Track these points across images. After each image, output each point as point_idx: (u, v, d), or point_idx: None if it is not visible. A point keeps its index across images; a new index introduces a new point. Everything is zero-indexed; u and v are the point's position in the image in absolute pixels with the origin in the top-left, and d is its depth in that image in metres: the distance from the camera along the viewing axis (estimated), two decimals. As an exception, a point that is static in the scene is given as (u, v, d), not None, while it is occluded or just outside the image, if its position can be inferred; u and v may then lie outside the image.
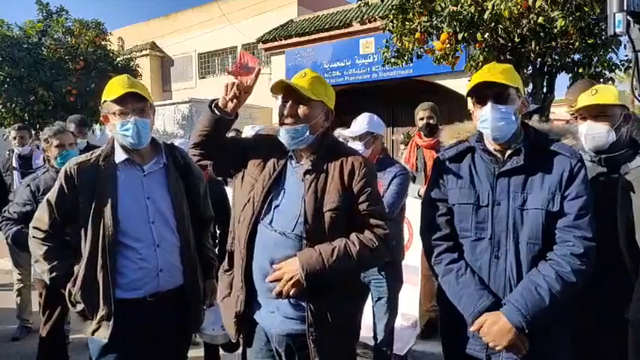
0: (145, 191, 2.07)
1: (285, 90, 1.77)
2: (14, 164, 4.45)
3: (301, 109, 1.74)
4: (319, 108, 1.79)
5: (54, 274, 2.06)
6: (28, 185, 3.01)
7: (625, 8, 1.59)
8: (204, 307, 2.36)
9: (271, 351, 1.83)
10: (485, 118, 1.75)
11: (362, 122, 2.95)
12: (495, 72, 1.76)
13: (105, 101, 2.04)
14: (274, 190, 1.77)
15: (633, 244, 1.78)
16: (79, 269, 2.01)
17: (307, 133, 1.75)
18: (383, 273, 2.98)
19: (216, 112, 1.75)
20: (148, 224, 2.04)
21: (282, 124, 1.77)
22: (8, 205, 3.17)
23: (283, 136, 1.77)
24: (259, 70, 1.77)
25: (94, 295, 1.98)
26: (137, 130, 1.99)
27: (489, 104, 1.74)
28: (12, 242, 3.00)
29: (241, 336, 1.88)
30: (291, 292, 1.64)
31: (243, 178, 1.85)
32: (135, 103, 2.00)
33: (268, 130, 2.03)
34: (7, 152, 4.66)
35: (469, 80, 1.92)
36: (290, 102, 1.75)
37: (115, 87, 2.00)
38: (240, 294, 1.80)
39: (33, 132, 5.03)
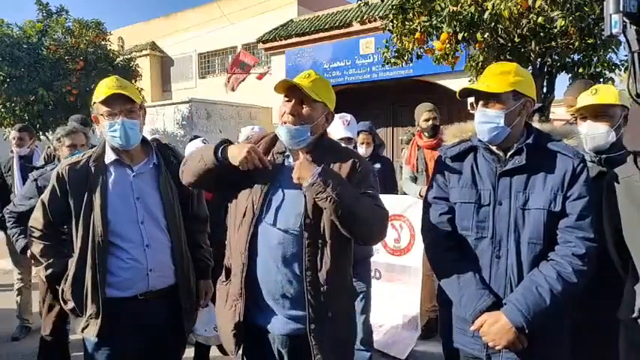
0: (134, 192, 2.08)
1: (288, 89, 1.76)
2: (15, 165, 4.45)
3: (304, 109, 1.74)
4: (321, 109, 1.78)
5: (50, 270, 2.12)
6: (35, 180, 3.02)
7: (621, 9, 1.60)
8: (200, 307, 2.37)
9: (273, 355, 1.81)
10: (476, 120, 1.81)
11: (353, 126, 3.13)
12: (492, 75, 1.78)
13: (94, 102, 2.05)
14: (272, 191, 1.76)
15: (621, 243, 1.78)
16: (70, 267, 2.05)
17: (308, 134, 1.75)
18: (358, 269, 3.05)
19: (221, 156, 1.72)
20: (137, 224, 2.05)
21: (283, 122, 1.76)
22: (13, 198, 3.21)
23: (284, 135, 1.76)
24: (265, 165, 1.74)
25: (83, 293, 2.00)
26: (125, 131, 2.01)
27: (478, 107, 1.79)
28: (21, 252, 3.08)
29: (239, 348, 1.82)
30: (298, 174, 1.63)
31: (239, 189, 1.82)
32: (122, 105, 2.01)
33: (259, 135, 2.01)
34: (10, 152, 4.66)
35: (469, 81, 1.93)
36: (293, 101, 1.75)
37: (103, 88, 2.01)
38: (239, 302, 1.77)
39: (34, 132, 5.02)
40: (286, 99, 1.77)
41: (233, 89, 13.26)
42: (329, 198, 1.58)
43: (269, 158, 1.80)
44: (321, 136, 1.83)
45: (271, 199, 1.75)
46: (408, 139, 7.74)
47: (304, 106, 1.74)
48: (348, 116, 3.15)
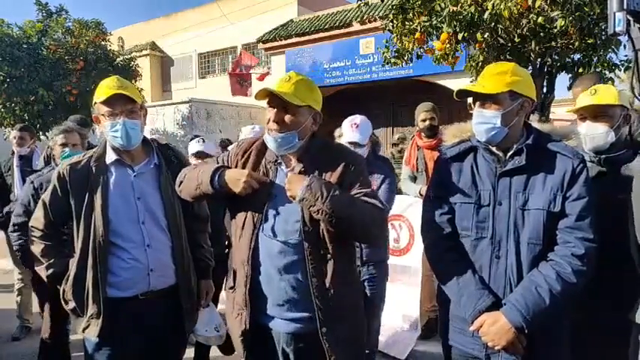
0: (135, 191, 2.08)
1: (270, 96, 1.73)
2: (15, 164, 4.45)
3: (287, 116, 1.71)
4: (306, 113, 1.76)
5: (51, 270, 2.11)
6: (32, 182, 3.02)
7: (625, 7, 1.60)
8: (201, 308, 2.37)
9: (278, 354, 1.81)
10: (473, 121, 1.81)
11: (363, 129, 3.01)
12: (489, 75, 1.78)
13: (95, 102, 2.06)
14: (268, 202, 1.76)
15: None
16: (71, 268, 2.05)
17: (295, 140, 1.73)
18: (375, 272, 3.08)
19: (218, 184, 1.74)
20: (138, 224, 2.06)
21: (269, 130, 1.74)
22: (11, 204, 3.18)
23: (271, 144, 1.76)
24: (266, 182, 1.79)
25: (84, 293, 2.01)
26: (126, 131, 2.02)
27: (475, 108, 1.80)
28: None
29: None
30: (289, 191, 1.65)
31: (236, 199, 1.81)
32: (124, 105, 2.01)
33: (250, 140, 1.99)
34: (11, 152, 4.69)
35: (471, 81, 1.93)
36: (276, 109, 1.72)
37: (104, 88, 2.01)
38: (244, 311, 1.79)
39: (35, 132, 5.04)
40: (269, 106, 1.74)
41: (248, 94, 13.33)
42: (320, 211, 1.59)
43: (261, 169, 1.80)
44: (311, 137, 1.81)
45: (268, 211, 1.75)
46: (400, 140, 7.72)
47: (288, 112, 1.71)
48: (358, 119, 3.05)
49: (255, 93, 1.73)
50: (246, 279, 1.76)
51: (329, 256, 1.71)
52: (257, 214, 1.75)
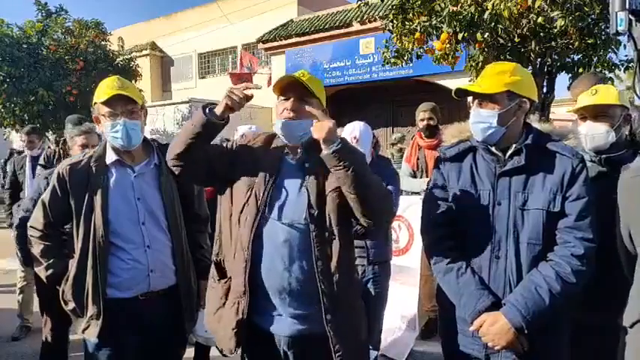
0: (135, 192, 2.08)
1: (287, 86, 1.77)
2: (27, 164, 4.62)
3: (304, 105, 1.75)
4: (317, 106, 1.80)
5: (50, 271, 2.11)
6: (46, 178, 3.01)
7: (627, 7, 1.60)
8: (200, 308, 2.36)
9: (279, 356, 1.79)
10: (470, 120, 1.84)
11: (364, 141, 2.98)
12: (488, 75, 1.79)
13: (95, 103, 2.05)
14: (274, 187, 1.76)
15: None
16: (70, 268, 2.04)
17: (309, 128, 1.75)
18: (379, 272, 3.13)
19: (210, 114, 1.70)
20: (139, 225, 2.05)
21: (284, 118, 1.76)
22: (20, 202, 3.19)
23: (284, 130, 1.76)
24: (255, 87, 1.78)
25: (84, 294, 2.00)
26: (126, 132, 2.01)
27: (473, 107, 1.81)
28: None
29: (240, 347, 1.79)
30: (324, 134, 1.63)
31: (233, 184, 1.81)
32: (124, 105, 2.01)
33: (255, 133, 2.01)
34: (9, 150, 4.82)
35: (470, 80, 1.94)
36: (292, 98, 1.76)
37: (105, 89, 2.01)
38: (242, 300, 1.74)
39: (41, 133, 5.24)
40: (286, 96, 1.77)
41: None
42: (350, 166, 1.61)
43: (267, 158, 1.80)
44: None
45: (273, 195, 1.75)
46: (398, 140, 7.72)
47: (304, 101, 1.75)
48: (357, 130, 3.00)
49: (276, 81, 1.77)
50: (245, 264, 1.72)
51: (334, 241, 1.71)
52: (261, 200, 1.74)
